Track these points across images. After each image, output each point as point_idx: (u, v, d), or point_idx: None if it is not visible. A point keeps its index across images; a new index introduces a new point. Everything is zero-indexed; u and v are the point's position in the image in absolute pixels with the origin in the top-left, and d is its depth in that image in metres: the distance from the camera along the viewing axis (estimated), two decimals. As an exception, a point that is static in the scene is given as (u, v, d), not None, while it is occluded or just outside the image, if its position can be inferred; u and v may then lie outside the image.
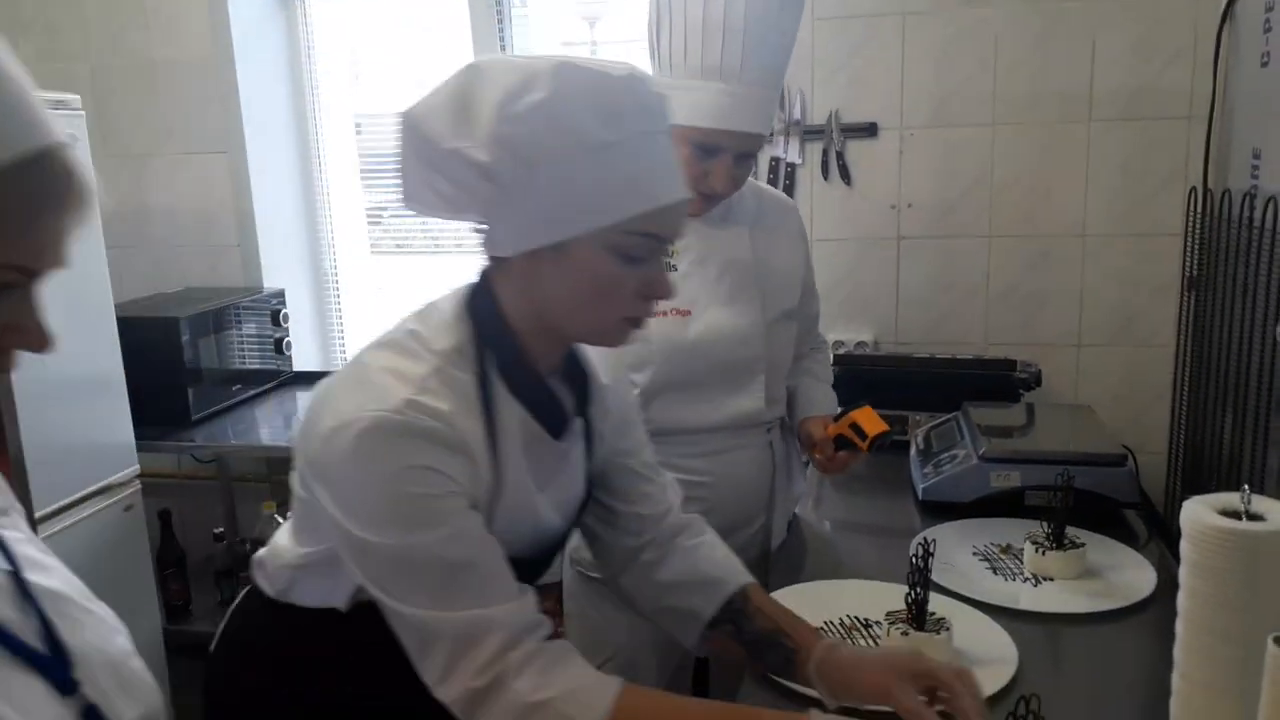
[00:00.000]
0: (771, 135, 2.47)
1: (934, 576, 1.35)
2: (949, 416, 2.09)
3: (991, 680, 1.23)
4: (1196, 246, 2.18)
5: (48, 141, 0.65)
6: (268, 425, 2.71)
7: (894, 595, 1.34)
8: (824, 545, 1.85)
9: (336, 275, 3.19)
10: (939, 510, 1.82)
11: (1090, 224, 2.42)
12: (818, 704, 1.10)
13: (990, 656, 1.30)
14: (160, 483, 2.78)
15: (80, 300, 2.22)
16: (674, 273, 1.56)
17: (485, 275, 1.06)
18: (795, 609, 1.23)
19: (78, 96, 2.24)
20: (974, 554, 1.64)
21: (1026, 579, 1.55)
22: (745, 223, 1.66)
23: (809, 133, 2.50)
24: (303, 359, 3.06)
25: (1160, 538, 1.72)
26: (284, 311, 2.90)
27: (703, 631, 1.20)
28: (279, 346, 2.92)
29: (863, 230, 2.54)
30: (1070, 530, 1.58)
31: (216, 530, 2.71)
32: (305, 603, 1.11)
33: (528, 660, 0.94)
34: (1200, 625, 1.00)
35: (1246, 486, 0.99)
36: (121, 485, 2.32)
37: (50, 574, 0.78)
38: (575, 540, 1.40)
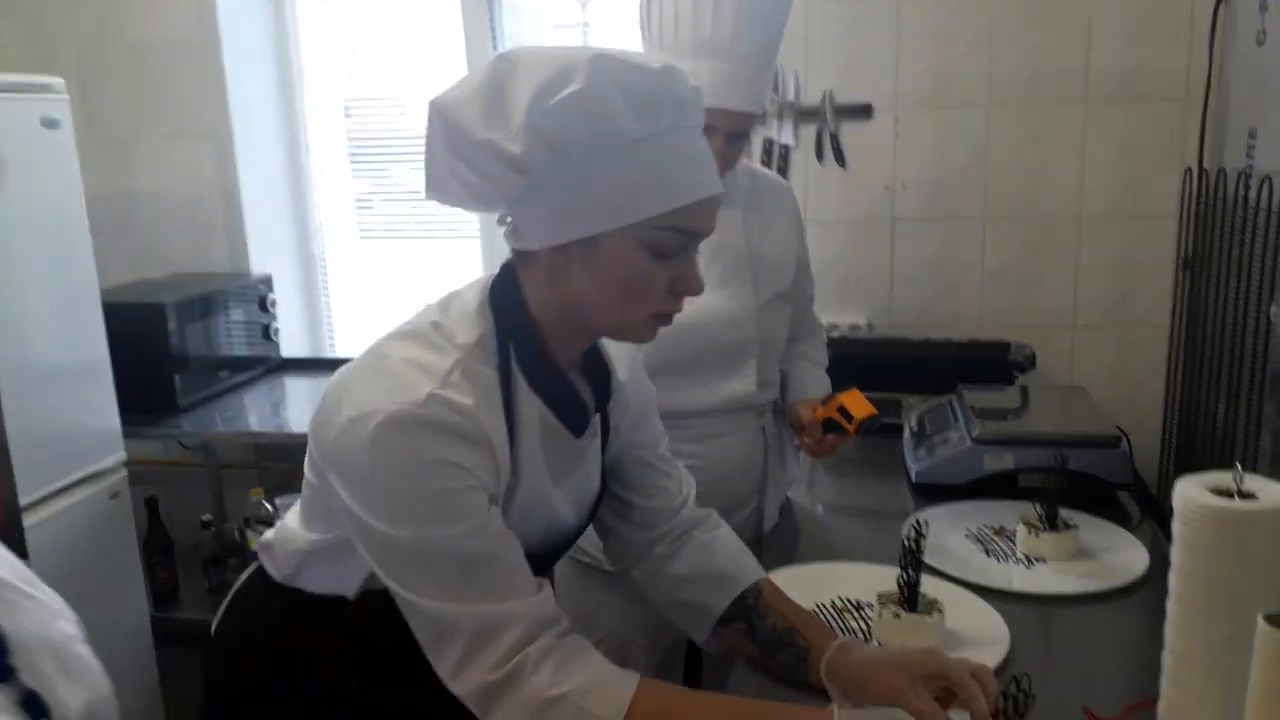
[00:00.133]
0: (765, 117, 2.45)
1: (926, 559, 1.34)
2: (942, 399, 2.08)
3: (983, 661, 1.21)
4: (1192, 227, 2.16)
5: None
6: (256, 412, 2.69)
7: (886, 577, 1.33)
8: (816, 528, 1.83)
9: (324, 261, 3.17)
10: (932, 493, 1.81)
11: (1085, 205, 2.41)
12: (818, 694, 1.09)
13: (982, 638, 1.29)
14: (147, 470, 2.75)
15: (65, 286, 2.19)
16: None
17: (509, 267, 1.04)
18: (787, 591, 1.22)
19: (62, 80, 2.21)
20: (967, 536, 1.63)
21: (1019, 560, 1.54)
22: (738, 204, 1.64)
23: (803, 114, 2.47)
24: (291, 345, 3.03)
25: (1153, 518, 1.71)
26: (271, 297, 2.88)
27: (714, 627, 1.18)
28: (266, 333, 2.90)
29: (857, 212, 2.52)
30: (1063, 512, 1.57)
31: (204, 517, 2.69)
32: (312, 589, 1.10)
33: (545, 655, 0.93)
34: (1191, 604, 0.99)
35: (1239, 465, 0.98)
36: (108, 472, 2.30)
37: None
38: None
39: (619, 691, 0.93)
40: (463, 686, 0.94)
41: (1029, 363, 2.28)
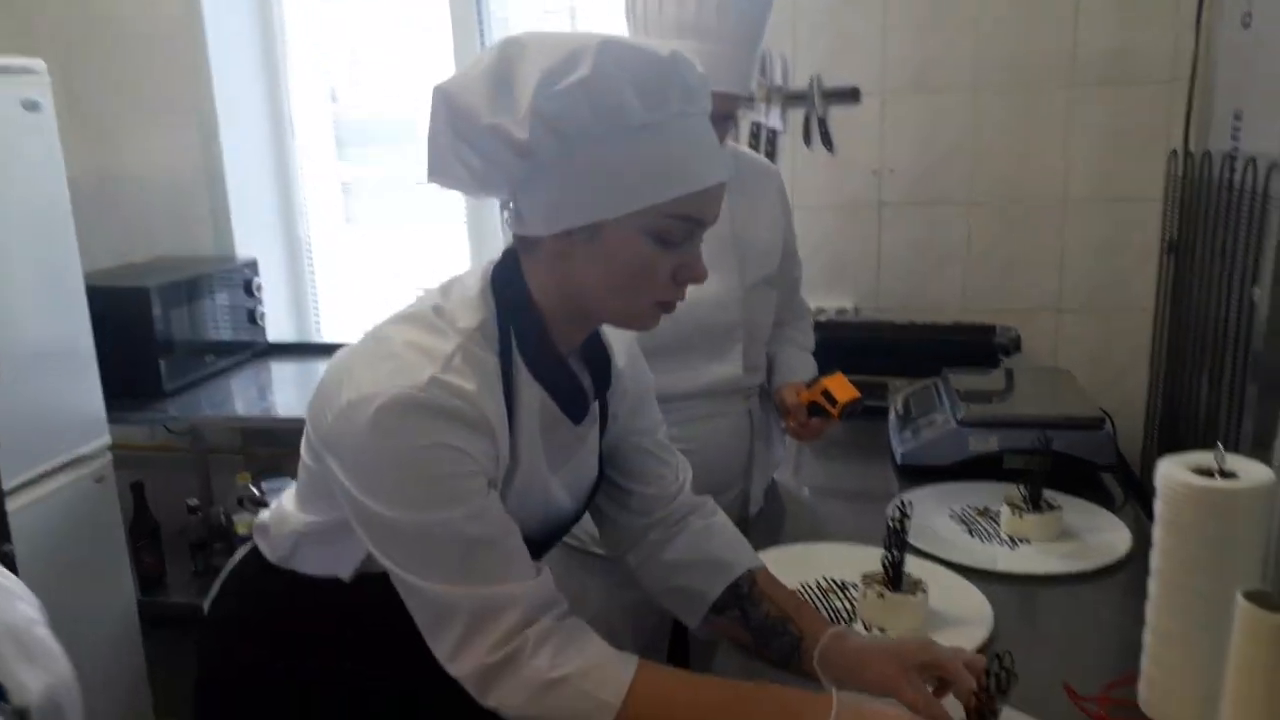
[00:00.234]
0: (753, 101, 2.44)
1: (911, 540, 1.35)
2: (928, 382, 2.09)
3: (967, 640, 1.23)
4: (1177, 210, 2.17)
5: None
6: (242, 396, 2.68)
7: (871, 558, 1.34)
8: (802, 510, 1.84)
9: (310, 246, 3.15)
10: (917, 474, 1.82)
11: (1071, 188, 2.41)
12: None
13: (966, 617, 1.30)
14: (133, 455, 2.75)
15: (48, 269, 2.17)
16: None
17: (511, 253, 1.03)
18: (772, 571, 1.22)
19: (43, 62, 2.19)
20: (951, 517, 1.64)
21: (1003, 541, 1.55)
22: (724, 188, 1.63)
23: (791, 98, 2.46)
24: (277, 330, 3.02)
25: (1136, 500, 1.72)
26: (257, 281, 2.86)
27: (707, 614, 1.18)
28: (252, 317, 2.88)
29: (844, 197, 2.52)
30: (1047, 493, 1.58)
31: (191, 502, 2.68)
32: (308, 570, 1.10)
33: (545, 637, 0.93)
34: (1173, 581, 0.99)
35: (1220, 445, 0.99)
36: (92, 457, 2.29)
37: None
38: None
39: (619, 674, 0.94)
40: (461, 668, 0.94)
41: (1014, 346, 2.28)
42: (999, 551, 1.52)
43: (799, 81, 2.46)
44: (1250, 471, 0.97)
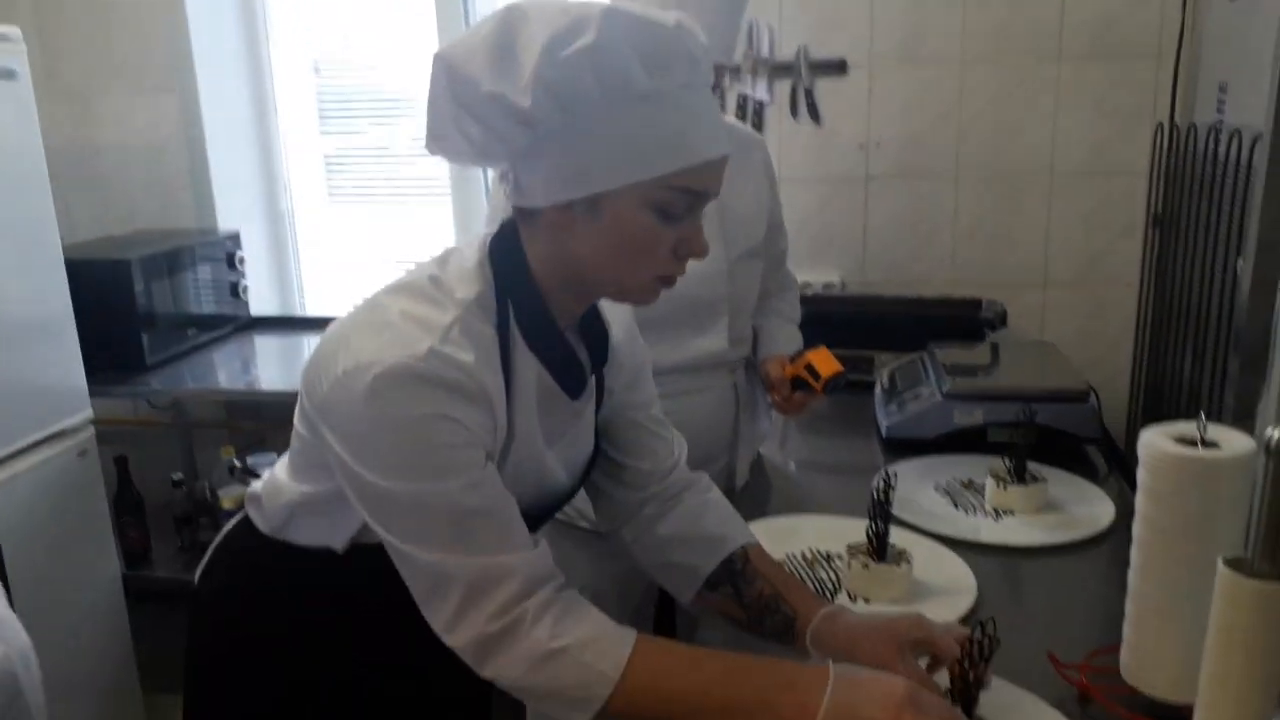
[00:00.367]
0: (739, 72, 2.42)
1: (896, 512, 1.35)
2: (914, 356, 2.09)
3: (951, 610, 1.24)
4: (1162, 183, 2.17)
5: None
6: (225, 370, 2.66)
7: (856, 529, 1.34)
8: (788, 484, 1.84)
9: (293, 219, 3.13)
10: (903, 448, 1.82)
11: (1058, 162, 2.41)
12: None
13: (950, 587, 1.31)
14: (116, 429, 2.73)
15: (26, 242, 2.14)
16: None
17: (510, 225, 1.02)
18: (756, 542, 1.22)
19: (18, 29, 2.15)
20: (936, 490, 1.65)
21: (988, 513, 1.56)
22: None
23: (778, 70, 2.45)
24: (260, 304, 3.00)
25: (1120, 472, 1.73)
26: (239, 254, 2.84)
27: (700, 590, 1.18)
28: (235, 290, 2.86)
29: (831, 170, 2.52)
30: (1032, 466, 1.59)
31: (175, 476, 2.67)
32: (300, 541, 1.09)
33: (544, 608, 0.93)
34: (1155, 550, 1.00)
35: (1203, 414, 0.99)
36: (74, 431, 2.27)
37: None
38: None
39: (618, 646, 0.93)
40: (458, 638, 0.94)
41: (1000, 320, 2.29)
42: (983, 523, 1.53)
43: (785, 53, 2.44)
44: (1232, 441, 0.97)
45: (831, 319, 2.25)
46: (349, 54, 3.00)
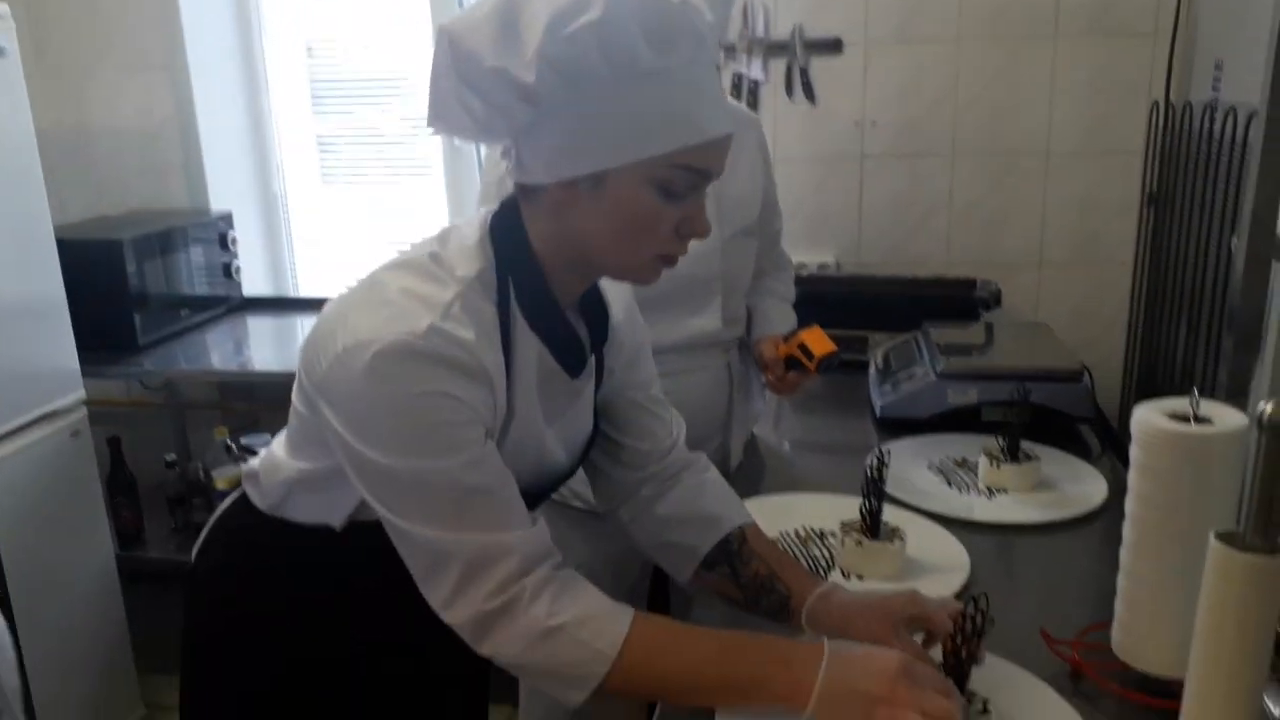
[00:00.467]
0: (734, 51, 2.41)
1: (890, 490, 1.35)
2: (908, 335, 2.09)
3: (944, 587, 1.24)
4: (1157, 162, 2.17)
5: None
6: (218, 351, 2.65)
7: (849, 507, 1.34)
8: (782, 464, 1.85)
9: (286, 199, 3.11)
10: (897, 427, 1.83)
11: (1053, 142, 2.41)
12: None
13: (943, 565, 1.31)
14: (109, 410, 2.72)
15: (17, 222, 2.13)
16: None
17: (511, 203, 1.01)
18: (750, 520, 1.22)
19: (6, 6, 2.13)
20: (930, 468, 1.65)
21: (981, 492, 1.56)
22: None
23: (772, 48, 2.44)
24: (252, 285, 2.99)
25: (1113, 450, 1.73)
26: (232, 235, 2.83)
27: (697, 569, 1.18)
28: (228, 271, 2.85)
29: (826, 149, 2.51)
30: (1025, 444, 1.59)
31: (168, 457, 2.66)
32: (298, 518, 1.09)
33: (543, 585, 0.93)
34: (1147, 526, 1.00)
35: (1196, 390, 0.99)
36: (67, 411, 2.26)
37: None
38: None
39: (615, 624, 0.94)
40: (456, 615, 0.93)
41: (994, 300, 2.29)
42: (976, 501, 1.53)
43: (780, 31, 2.43)
44: (1225, 417, 0.97)
45: (826, 299, 2.24)
46: (341, 35, 2.98)
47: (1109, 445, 1.76)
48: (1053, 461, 1.62)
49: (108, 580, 2.40)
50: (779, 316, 1.78)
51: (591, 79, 0.89)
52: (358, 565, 1.05)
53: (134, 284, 2.50)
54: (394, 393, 0.90)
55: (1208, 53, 1.96)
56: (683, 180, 0.94)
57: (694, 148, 0.92)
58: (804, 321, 1.73)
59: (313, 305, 2.90)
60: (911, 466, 1.64)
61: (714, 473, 1.26)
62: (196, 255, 2.73)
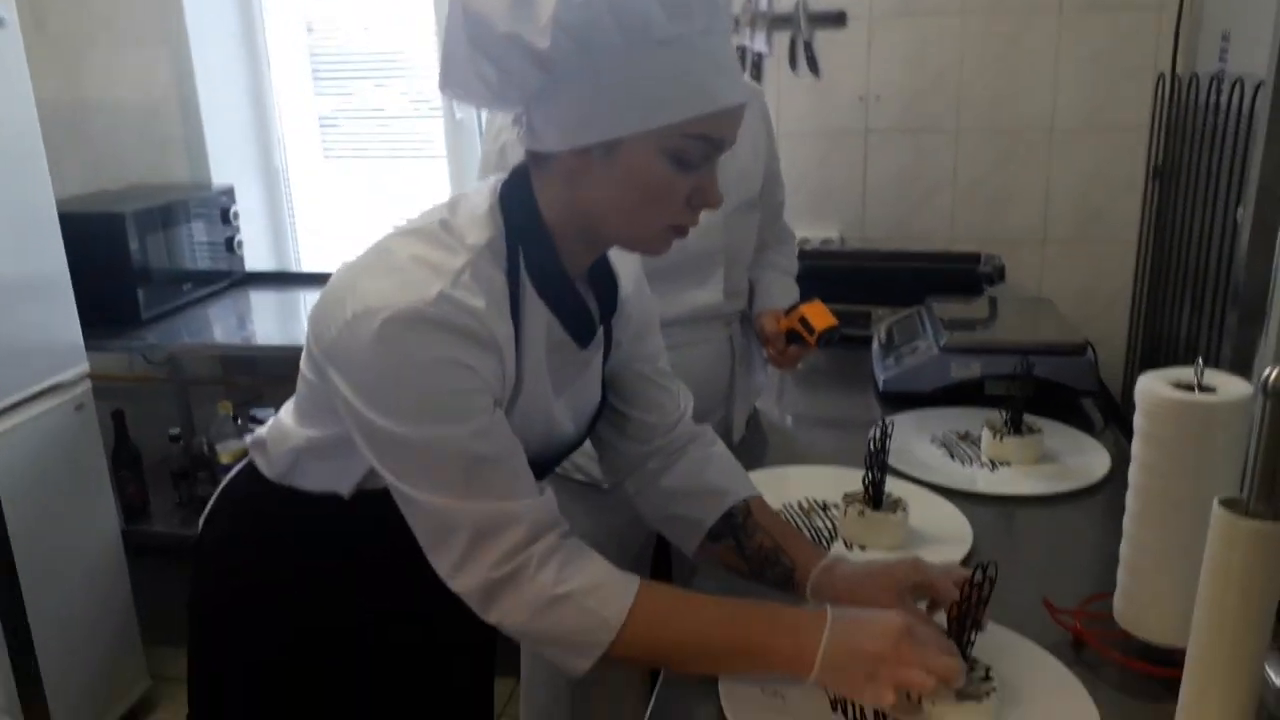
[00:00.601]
0: (738, 24, 2.39)
1: (893, 462, 1.35)
2: (911, 310, 2.09)
3: (946, 557, 1.24)
4: (1163, 134, 2.16)
5: None
6: (221, 325, 2.66)
7: (852, 479, 1.34)
8: (784, 438, 1.85)
9: (288, 173, 3.10)
10: (900, 401, 1.83)
11: (1058, 117, 2.39)
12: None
13: (946, 535, 1.32)
14: (113, 385, 2.73)
15: (19, 196, 2.12)
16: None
17: (522, 171, 1.01)
18: (753, 490, 1.22)
19: (4, -22, 2.12)
20: (933, 441, 1.65)
21: (984, 464, 1.57)
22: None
23: (776, 21, 2.42)
24: (255, 259, 2.98)
25: (1116, 424, 1.73)
26: (234, 209, 2.82)
27: (703, 542, 1.19)
28: (230, 245, 2.84)
29: (831, 124, 2.49)
30: (1028, 418, 1.59)
31: (172, 431, 2.67)
32: (306, 486, 1.09)
33: (550, 554, 0.93)
34: (1150, 495, 1.00)
35: (1200, 359, 0.99)
36: (71, 384, 2.27)
37: None
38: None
39: (622, 592, 0.94)
40: (463, 583, 0.94)
41: (998, 275, 2.28)
42: (979, 474, 1.53)
43: (784, 4, 2.41)
44: (1228, 386, 0.97)
45: (830, 274, 2.24)
46: (341, 13, 2.96)
47: (1112, 419, 1.76)
48: (1056, 435, 1.62)
49: (113, 553, 2.41)
50: (780, 290, 1.78)
51: (606, 46, 0.88)
52: (365, 534, 1.06)
53: (136, 258, 2.50)
54: (403, 360, 0.90)
55: (1215, 23, 1.95)
56: (696, 150, 0.93)
57: (708, 116, 0.91)
58: (807, 296, 1.72)
59: (315, 280, 2.90)
60: (914, 439, 1.64)
61: (720, 446, 1.26)
62: (198, 229, 2.72)
